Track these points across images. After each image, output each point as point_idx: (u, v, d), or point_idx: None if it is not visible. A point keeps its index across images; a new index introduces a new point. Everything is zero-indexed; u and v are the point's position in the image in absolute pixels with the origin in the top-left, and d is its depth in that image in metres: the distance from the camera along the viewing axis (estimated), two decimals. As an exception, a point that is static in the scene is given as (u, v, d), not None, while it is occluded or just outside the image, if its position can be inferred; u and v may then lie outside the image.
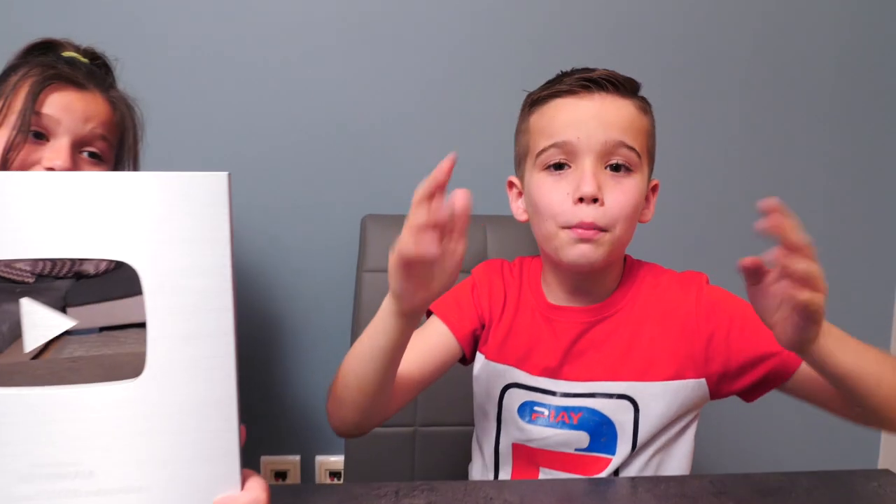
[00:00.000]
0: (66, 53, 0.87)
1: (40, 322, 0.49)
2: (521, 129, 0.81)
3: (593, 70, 0.75)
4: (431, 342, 0.81)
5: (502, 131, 1.14)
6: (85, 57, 0.88)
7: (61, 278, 0.49)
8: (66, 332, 0.49)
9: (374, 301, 1.10)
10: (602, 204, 0.72)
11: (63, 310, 0.49)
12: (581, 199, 0.72)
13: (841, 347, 0.61)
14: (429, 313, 0.84)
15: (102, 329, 0.50)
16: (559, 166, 0.75)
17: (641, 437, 0.76)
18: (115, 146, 0.86)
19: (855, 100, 1.41)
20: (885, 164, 1.43)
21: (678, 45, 1.36)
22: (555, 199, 0.74)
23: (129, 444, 0.50)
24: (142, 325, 0.50)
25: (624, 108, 0.75)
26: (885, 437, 1.51)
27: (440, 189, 0.57)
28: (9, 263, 0.47)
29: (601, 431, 0.76)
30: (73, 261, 0.49)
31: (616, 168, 0.73)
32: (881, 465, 1.49)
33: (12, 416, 0.48)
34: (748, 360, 0.74)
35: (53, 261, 0.49)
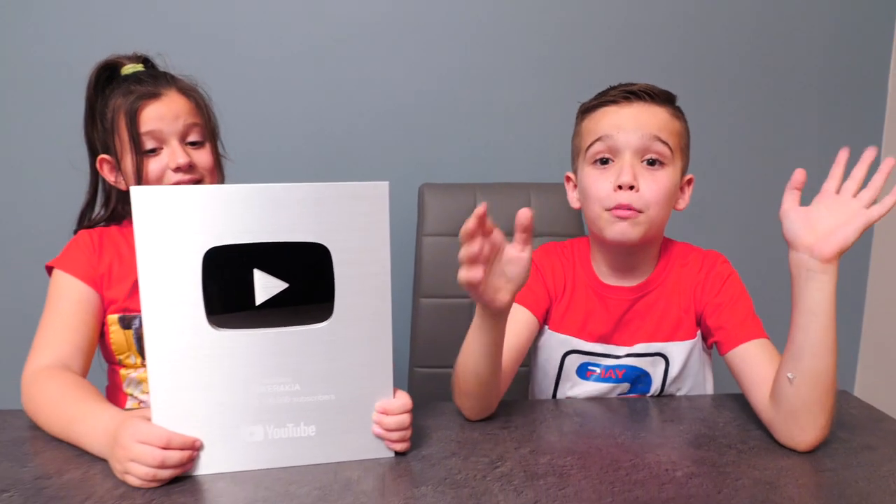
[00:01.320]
0: (125, 70, 1.00)
1: (266, 286, 0.72)
2: (575, 133, 1.01)
3: (634, 84, 0.94)
4: (519, 325, 0.95)
5: (544, 107, 1.37)
6: (138, 63, 1.02)
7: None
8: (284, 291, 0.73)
9: (432, 261, 1.32)
10: (637, 190, 0.90)
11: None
12: (620, 187, 0.90)
13: (828, 293, 0.74)
14: None
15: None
16: (604, 161, 0.94)
17: (667, 382, 0.98)
18: (206, 124, 1.01)
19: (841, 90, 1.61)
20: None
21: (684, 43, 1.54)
22: (600, 187, 0.93)
23: (322, 366, 0.74)
24: (331, 288, 0.73)
25: (658, 114, 0.93)
26: (861, 373, 1.75)
27: (476, 231, 0.71)
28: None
29: (639, 381, 0.98)
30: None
31: (651, 162, 0.92)
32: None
33: (254, 346, 0.72)
34: (710, 327, 0.94)
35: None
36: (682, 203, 0.97)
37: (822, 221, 0.76)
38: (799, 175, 0.78)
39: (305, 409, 0.75)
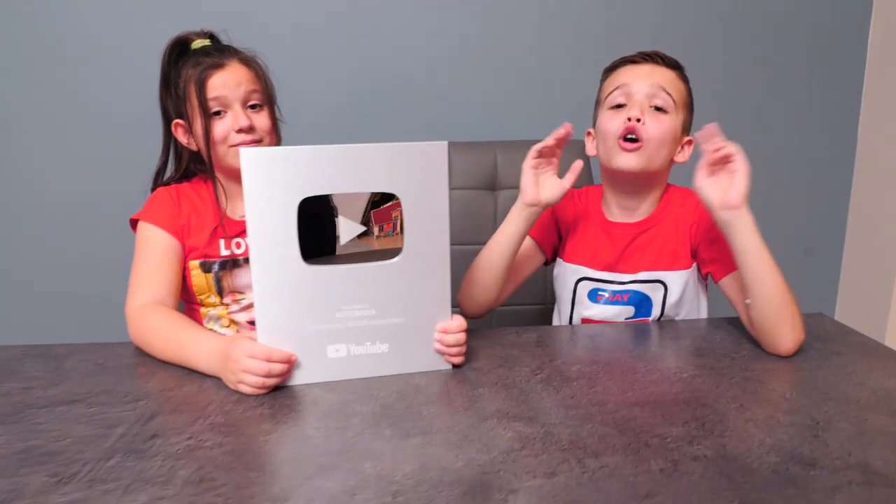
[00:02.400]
0: (195, 45, 1.13)
1: (349, 228, 0.88)
2: (599, 90, 1.17)
3: (651, 51, 1.13)
4: (525, 251, 1.19)
5: (560, 69, 1.53)
6: (205, 38, 1.15)
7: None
8: (362, 234, 0.88)
9: (458, 213, 1.48)
10: (644, 124, 1.07)
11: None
12: (629, 119, 1.08)
13: (749, 233, 0.93)
14: None
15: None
16: (619, 106, 1.11)
17: (667, 307, 1.15)
18: (264, 90, 1.15)
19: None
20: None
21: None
22: (614, 122, 1.10)
23: (393, 294, 0.90)
24: (400, 233, 0.89)
25: (666, 73, 1.11)
26: (841, 296, 1.96)
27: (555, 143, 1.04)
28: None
29: (642, 304, 1.15)
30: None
31: (658, 108, 1.09)
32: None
33: (339, 278, 0.88)
34: (703, 258, 1.12)
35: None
36: (682, 157, 1.14)
37: (721, 183, 0.95)
38: (707, 155, 0.96)
39: (379, 330, 0.91)
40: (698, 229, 1.11)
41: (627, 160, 1.09)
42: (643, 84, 1.10)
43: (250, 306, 1.16)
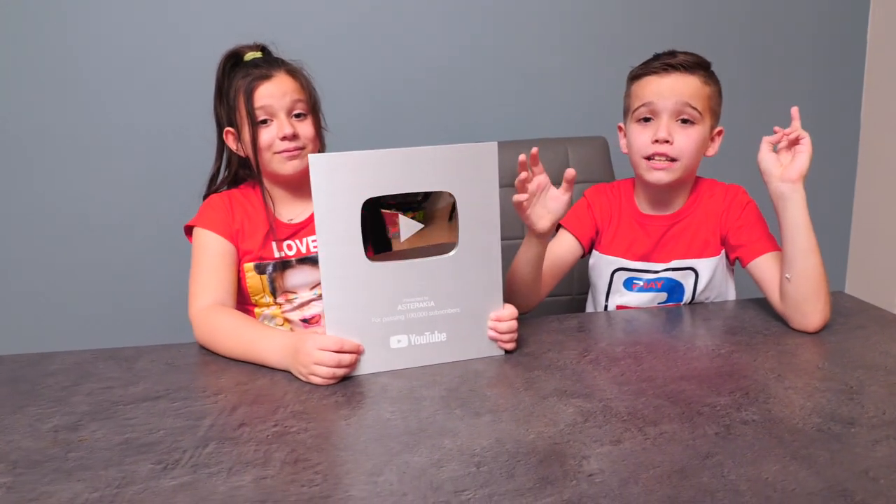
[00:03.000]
0: (247, 57, 1.20)
1: (409, 226, 0.94)
2: (626, 94, 1.22)
3: (674, 55, 1.15)
4: (564, 248, 1.25)
5: (578, 70, 1.60)
6: (257, 51, 1.22)
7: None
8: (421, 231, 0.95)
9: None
10: (672, 143, 1.13)
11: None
12: (657, 141, 1.14)
13: (801, 208, 1.01)
14: (558, 228, 1.26)
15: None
16: (646, 119, 1.17)
17: (697, 292, 1.22)
18: (308, 100, 1.21)
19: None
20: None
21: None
22: (642, 139, 1.16)
23: (450, 286, 0.97)
24: (454, 229, 0.95)
25: (691, 83, 1.13)
26: (850, 271, 2.03)
27: (525, 166, 1.01)
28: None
29: (674, 290, 1.22)
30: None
31: (684, 121, 1.14)
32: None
33: (400, 273, 0.94)
34: (732, 245, 1.18)
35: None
36: (712, 150, 1.20)
37: (782, 159, 1.04)
38: (776, 130, 1.05)
39: (437, 320, 0.97)
40: (727, 218, 1.18)
41: (659, 177, 1.15)
42: (668, 101, 1.12)
43: (302, 305, 1.22)
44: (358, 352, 0.94)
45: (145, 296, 1.83)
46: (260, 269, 1.20)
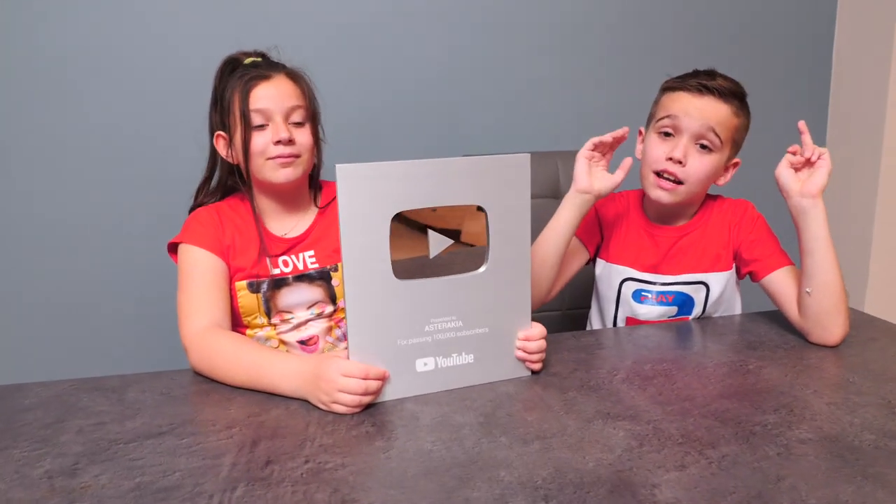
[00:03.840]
0: (247, 61, 1.13)
1: (438, 242, 0.88)
2: (656, 101, 1.19)
3: (714, 78, 1.13)
4: (573, 249, 1.22)
5: (566, 84, 1.58)
6: (258, 58, 1.14)
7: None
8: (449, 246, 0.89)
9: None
10: (684, 165, 1.11)
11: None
12: (671, 158, 1.13)
13: (821, 222, 1.02)
14: None
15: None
16: (667, 134, 1.14)
17: (707, 306, 1.21)
18: (308, 107, 1.13)
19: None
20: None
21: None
22: (657, 152, 1.14)
23: (479, 304, 0.92)
24: (484, 243, 0.90)
25: (721, 110, 1.10)
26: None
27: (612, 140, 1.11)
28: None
29: (685, 304, 1.20)
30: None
31: (703, 146, 1.12)
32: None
33: (428, 291, 0.88)
34: (745, 259, 1.18)
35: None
36: (723, 180, 1.18)
37: (801, 174, 1.04)
38: (795, 150, 1.05)
39: (465, 341, 0.92)
40: (739, 232, 1.18)
41: (660, 195, 1.14)
42: (693, 121, 1.10)
43: (299, 325, 1.14)
44: (384, 378, 0.88)
45: (123, 319, 1.69)
46: (253, 288, 1.11)
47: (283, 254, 1.14)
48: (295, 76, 1.13)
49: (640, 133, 1.23)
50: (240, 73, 1.10)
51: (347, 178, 0.82)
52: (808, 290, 1.04)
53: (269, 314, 1.12)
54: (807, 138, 1.04)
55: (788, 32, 1.94)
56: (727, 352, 1.05)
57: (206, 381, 0.97)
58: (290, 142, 1.10)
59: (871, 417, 0.82)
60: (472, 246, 0.91)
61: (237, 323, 1.13)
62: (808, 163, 1.04)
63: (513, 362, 0.95)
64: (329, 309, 1.15)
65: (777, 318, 1.17)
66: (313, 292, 1.14)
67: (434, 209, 0.88)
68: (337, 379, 0.85)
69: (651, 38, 1.83)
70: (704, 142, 1.12)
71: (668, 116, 1.13)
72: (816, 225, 1.02)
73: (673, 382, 0.93)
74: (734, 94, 1.13)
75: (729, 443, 0.77)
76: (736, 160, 1.19)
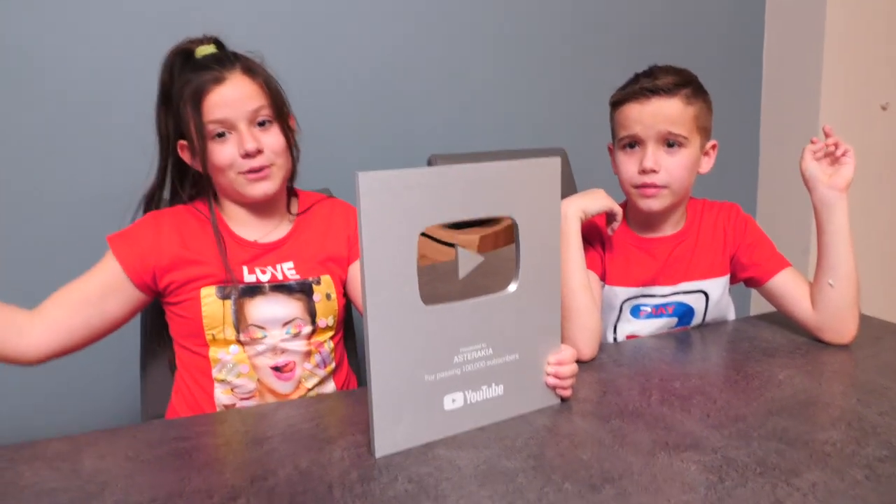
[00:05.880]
0: (199, 52, 0.97)
1: (468, 260, 0.77)
2: (611, 118, 1.13)
3: (654, 77, 1.07)
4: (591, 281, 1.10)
5: (540, 80, 1.49)
6: (210, 44, 0.98)
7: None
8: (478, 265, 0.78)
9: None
10: (658, 171, 1.06)
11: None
12: (643, 171, 1.06)
13: (845, 215, 1.01)
14: None
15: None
16: (631, 145, 1.09)
17: (707, 314, 1.16)
18: (273, 104, 0.98)
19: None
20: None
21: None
22: (628, 168, 1.09)
23: (510, 328, 0.81)
24: (514, 259, 0.79)
25: (672, 106, 1.04)
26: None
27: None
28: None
29: (685, 315, 1.15)
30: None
31: (670, 145, 1.07)
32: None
33: (457, 316, 0.76)
34: (744, 264, 1.14)
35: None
36: (705, 167, 1.13)
37: (825, 169, 1.04)
38: (815, 140, 1.04)
39: (495, 370, 0.81)
40: (734, 236, 1.14)
41: (650, 204, 1.09)
42: (649, 129, 1.06)
43: (275, 349, 0.98)
44: None
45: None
46: (223, 294, 0.95)
47: (253, 260, 0.99)
48: (252, 70, 0.98)
49: (610, 150, 1.17)
50: (189, 75, 0.94)
51: (370, 190, 0.69)
52: (830, 282, 1.02)
53: (237, 327, 0.96)
54: (835, 138, 1.03)
55: (720, 33, 1.97)
56: (748, 361, 1.00)
57: (182, 438, 0.80)
58: (259, 151, 0.95)
59: (929, 426, 0.79)
60: (500, 261, 0.80)
61: (197, 343, 0.97)
62: (833, 158, 1.03)
63: (542, 390, 0.85)
64: (307, 329, 1.00)
65: (775, 320, 1.15)
66: (290, 307, 0.99)
67: (460, 223, 0.76)
68: None
69: (606, 35, 1.78)
70: (669, 140, 1.07)
71: (626, 136, 1.08)
72: (840, 216, 1.02)
73: (713, 401, 0.86)
74: (679, 86, 1.06)
75: (810, 468, 0.70)
76: (713, 142, 1.14)
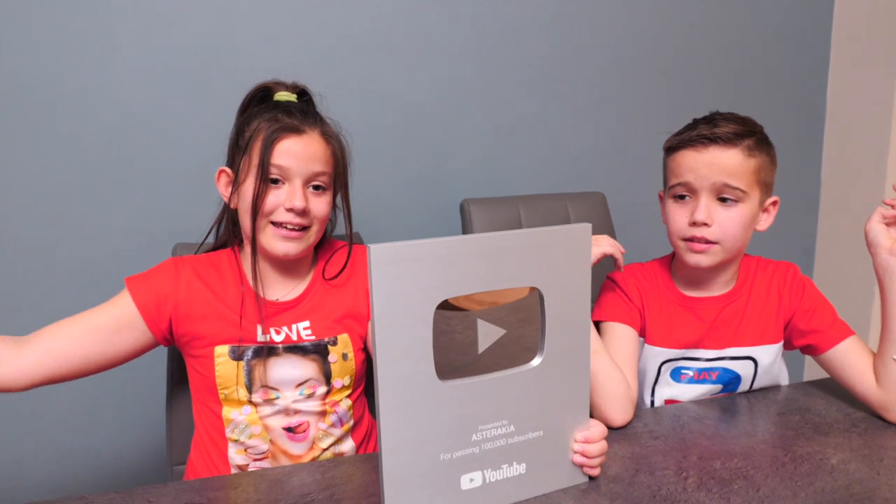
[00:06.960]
0: (279, 96, 0.98)
1: (488, 333, 0.72)
2: (664, 164, 1.07)
3: (714, 124, 1.00)
4: (628, 340, 1.06)
5: (575, 122, 1.44)
6: (294, 93, 0.99)
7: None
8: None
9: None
10: (710, 226, 0.99)
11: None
12: (694, 223, 1.00)
13: None
14: (598, 325, 1.07)
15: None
16: (682, 196, 1.02)
17: (755, 382, 1.08)
18: (334, 173, 0.98)
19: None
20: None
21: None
22: (678, 219, 1.02)
23: (533, 404, 0.76)
24: (539, 331, 0.75)
25: (731, 157, 0.98)
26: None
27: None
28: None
29: (731, 382, 1.08)
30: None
31: (724, 200, 1.00)
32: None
33: (476, 392, 0.72)
34: (802, 330, 1.06)
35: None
36: (764, 224, 1.06)
37: (892, 233, 0.96)
38: (890, 203, 0.97)
39: (517, 448, 0.76)
40: (791, 300, 1.06)
41: (697, 260, 1.02)
42: (704, 179, 0.99)
43: (287, 410, 0.96)
44: None
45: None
46: (236, 354, 0.93)
47: (269, 318, 0.97)
48: (329, 136, 0.98)
49: (661, 197, 1.10)
50: (270, 114, 0.94)
51: (383, 263, 0.66)
52: (894, 356, 0.93)
53: (250, 388, 0.94)
54: None
55: (783, 77, 1.86)
56: (796, 438, 0.92)
57: (197, 493, 0.78)
58: (304, 212, 0.94)
59: None
60: (524, 334, 0.75)
61: (210, 400, 0.96)
62: None
63: (569, 468, 0.80)
64: (322, 390, 0.98)
65: (830, 388, 1.06)
66: (305, 368, 0.96)
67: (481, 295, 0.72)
68: None
69: (649, 75, 1.71)
70: (724, 195, 1.00)
71: (679, 184, 1.02)
72: None
73: (756, 488, 0.79)
74: (740, 136, 0.99)
75: (861, 583, 0.63)
76: (773, 198, 1.06)
